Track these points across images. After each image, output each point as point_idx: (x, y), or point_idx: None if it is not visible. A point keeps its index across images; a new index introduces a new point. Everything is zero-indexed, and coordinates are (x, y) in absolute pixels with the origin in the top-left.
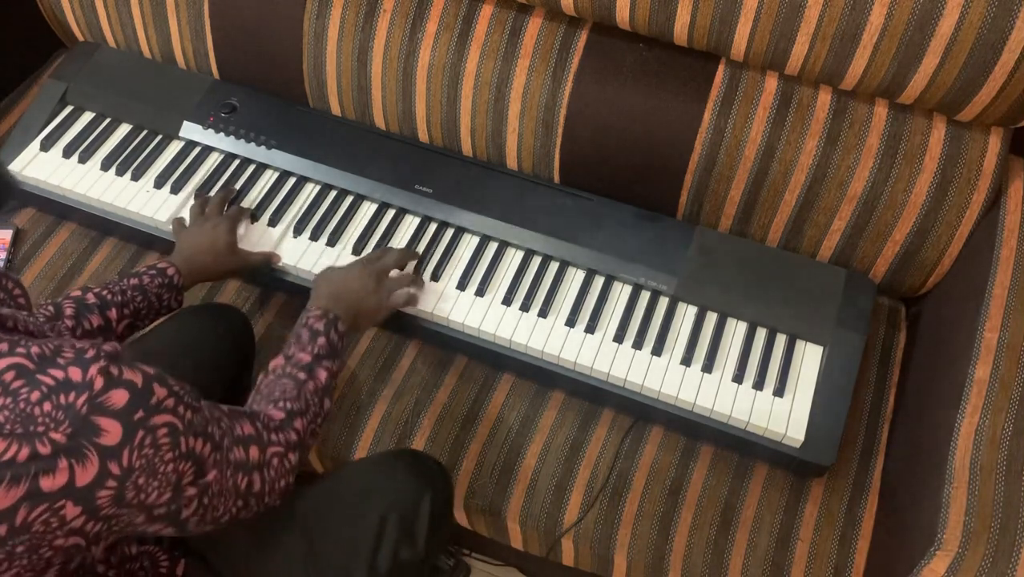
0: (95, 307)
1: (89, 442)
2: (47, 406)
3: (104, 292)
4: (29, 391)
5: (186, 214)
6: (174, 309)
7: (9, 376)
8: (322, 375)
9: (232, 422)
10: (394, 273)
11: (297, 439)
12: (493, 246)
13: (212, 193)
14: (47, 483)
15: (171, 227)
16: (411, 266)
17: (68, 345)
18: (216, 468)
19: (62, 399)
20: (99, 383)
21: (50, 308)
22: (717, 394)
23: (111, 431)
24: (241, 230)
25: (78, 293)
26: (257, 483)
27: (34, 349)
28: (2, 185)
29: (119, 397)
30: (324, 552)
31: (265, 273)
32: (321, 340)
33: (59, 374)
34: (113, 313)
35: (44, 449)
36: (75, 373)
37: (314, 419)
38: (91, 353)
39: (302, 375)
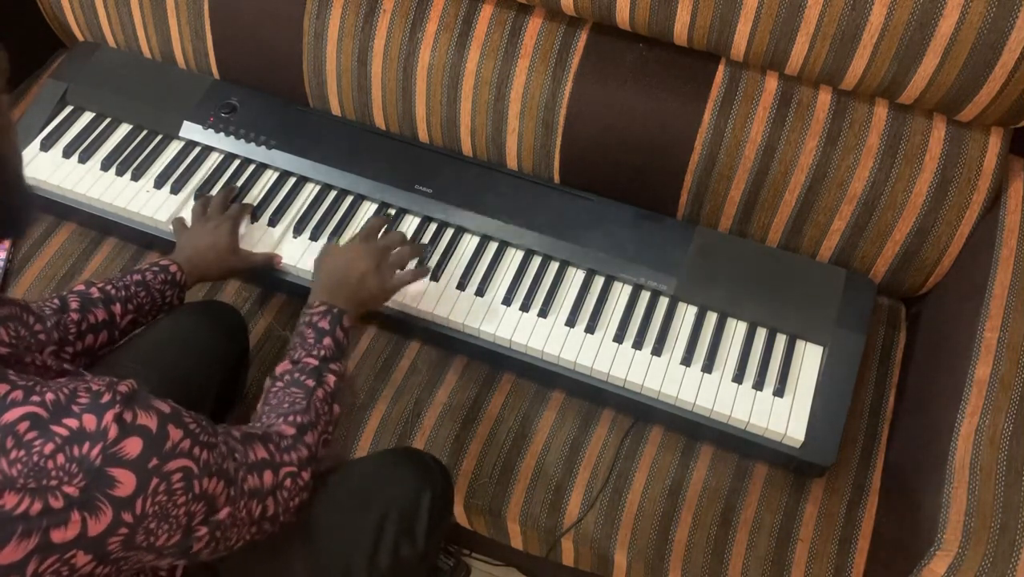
0: (100, 301)
1: (103, 494)
2: (60, 459)
3: (108, 287)
4: (43, 443)
5: (186, 214)
6: (176, 306)
7: (23, 427)
8: (331, 380)
9: (246, 448)
10: (395, 252)
11: (309, 454)
12: (493, 246)
13: (213, 193)
14: (58, 535)
15: (171, 227)
16: (415, 262)
17: (83, 387)
18: (229, 504)
19: (75, 451)
20: (113, 432)
21: (55, 301)
22: (717, 394)
23: (125, 482)
24: (242, 229)
25: (82, 287)
26: (271, 507)
27: (48, 396)
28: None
29: (133, 446)
30: (324, 549)
31: (266, 273)
32: (327, 340)
33: (73, 424)
34: (117, 308)
35: (57, 503)
36: (89, 421)
37: (325, 428)
38: (106, 398)
39: (311, 382)
